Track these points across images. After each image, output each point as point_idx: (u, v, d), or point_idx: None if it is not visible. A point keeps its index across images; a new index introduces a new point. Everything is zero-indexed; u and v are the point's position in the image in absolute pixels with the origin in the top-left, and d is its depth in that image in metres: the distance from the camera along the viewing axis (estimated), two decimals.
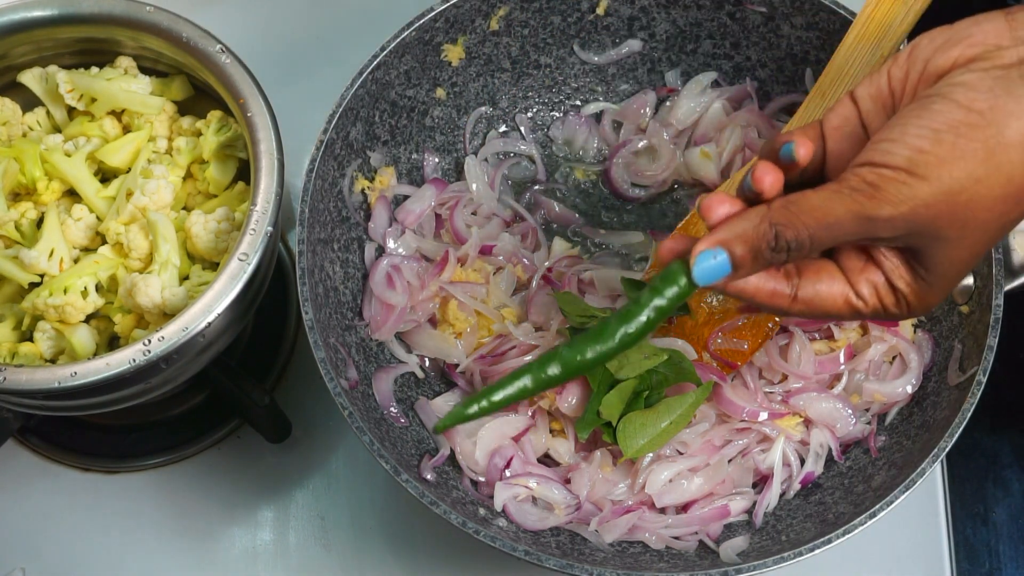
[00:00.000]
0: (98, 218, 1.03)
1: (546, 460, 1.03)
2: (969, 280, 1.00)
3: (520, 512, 0.98)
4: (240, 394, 1.05)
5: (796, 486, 1.01)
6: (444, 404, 1.05)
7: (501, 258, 1.09)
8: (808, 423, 1.02)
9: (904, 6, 0.93)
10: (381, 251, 1.09)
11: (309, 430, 1.14)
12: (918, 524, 1.10)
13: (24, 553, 1.10)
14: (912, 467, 0.92)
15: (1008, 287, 0.97)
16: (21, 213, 1.03)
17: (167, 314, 0.97)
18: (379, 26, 1.08)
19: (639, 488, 0.99)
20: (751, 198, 0.72)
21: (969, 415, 0.92)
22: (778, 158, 0.72)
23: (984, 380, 0.93)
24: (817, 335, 1.06)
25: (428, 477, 0.98)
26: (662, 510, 1.00)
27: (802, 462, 1.02)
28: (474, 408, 0.76)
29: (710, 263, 0.70)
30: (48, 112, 1.08)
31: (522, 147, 1.17)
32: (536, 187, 1.16)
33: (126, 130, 1.08)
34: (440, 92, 1.12)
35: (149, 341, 0.90)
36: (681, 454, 1.01)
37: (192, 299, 0.94)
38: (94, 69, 1.07)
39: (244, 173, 1.06)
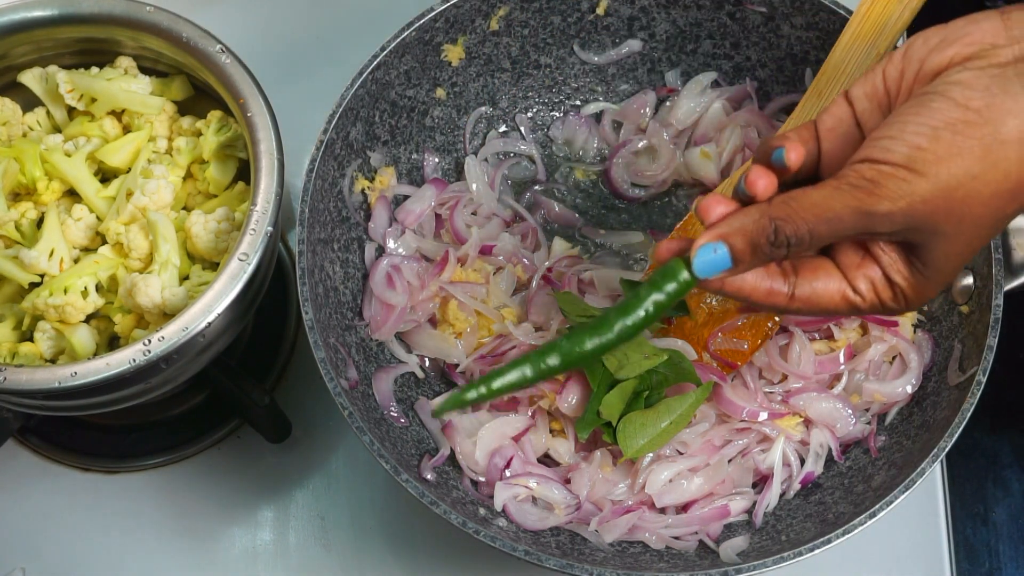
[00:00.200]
0: (98, 218, 1.03)
1: (546, 460, 1.03)
2: (969, 280, 1.00)
3: (520, 512, 0.98)
4: (240, 394, 1.05)
5: (796, 486, 1.01)
6: None
7: (501, 258, 1.09)
8: (808, 423, 1.02)
9: (900, 4, 0.93)
10: (381, 251, 1.09)
11: (309, 430, 1.14)
12: (918, 524, 1.10)
13: (24, 553, 1.10)
14: (912, 467, 0.92)
15: (1008, 287, 0.98)
16: (21, 213, 1.03)
17: (167, 314, 0.97)
18: (379, 26, 1.08)
19: (639, 488, 0.99)
20: (746, 201, 0.73)
21: (969, 415, 0.92)
22: (771, 163, 0.73)
23: (984, 380, 0.93)
24: (817, 335, 1.06)
25: (428, 477, 0.98)
26: (662, 510, 1.00)
27: (802, 462, 1.02)
28: (472, 394, 0.76)
29: (710, 257, 0.71)
30: (48, 112, 1.08)
31: (522, 147, 1.17)
32: (536, 187, 1.16)
33: (126, 130, 1.08)
34: (440, 92, 1.12)
35: (149, 341, 0.90)
36: (681, 454, 1.01)
37: (192, 299, 0.94)
38: (94, 69, 1.07)
39: (244, 173, 1.06)
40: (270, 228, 0.95)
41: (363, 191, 1.08)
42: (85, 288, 0.98)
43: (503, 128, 1.17)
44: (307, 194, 0.99)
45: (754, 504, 1.01)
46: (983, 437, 1.16)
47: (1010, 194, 0.69)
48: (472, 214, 1.12)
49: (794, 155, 0.73)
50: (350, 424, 0.92)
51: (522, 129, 1.17)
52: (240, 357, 1.14)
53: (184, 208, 1.06)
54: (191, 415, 1.14)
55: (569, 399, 1.00)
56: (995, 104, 0.67)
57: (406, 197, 1.11)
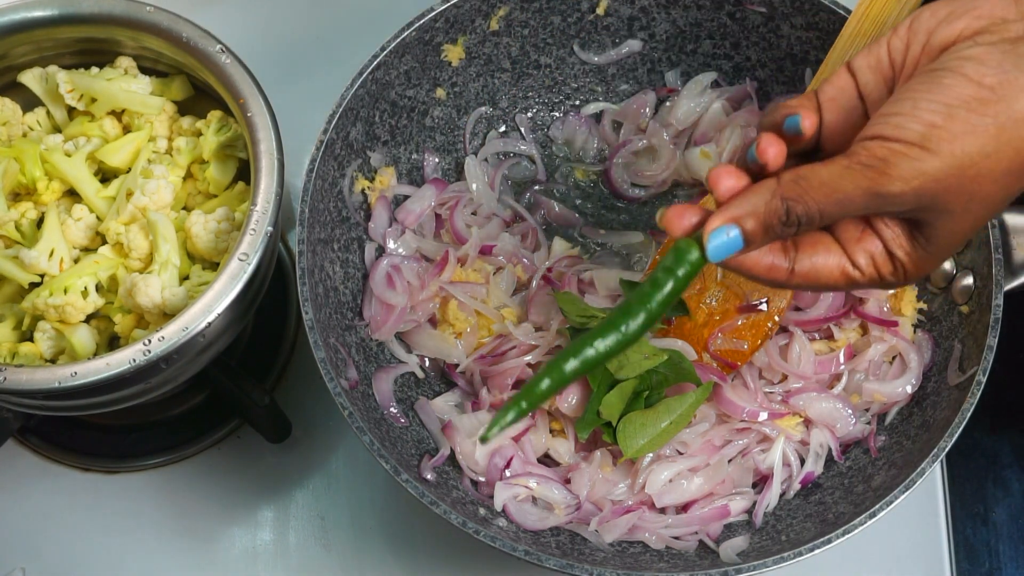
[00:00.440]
0: (98, 218, 1.03)
1: (546, 460, 1.03)
2: (969, 280, 1.00)
3: (520, 512, 0.98)
4: (240, 394, 1.05)
5: (796, 486, 1.01)
6: (444, 404, 1.05)
7: (501, 258, 1.09)
8: (808, 423, 1.02)
9: (898, 4, 0.93)
10: (381, 251, 1.09)
11: (309, 430, 1.14)
12: (918, 524, 1.10)
13: (24, 553, 1.10)
14: (912, 467, 0.92)
15: (1008, 287, 0.97)
16: (21, 213, 1.03)
17: (167, 314, 0.97)
18: (379, 26, 1.08)
19: (639, 488, 0.99)
20: (754, 170, 0.72)
21: (969, 415, 0.92)
22: (781, 130, 0.72)
23: (984, 380, 0.93)
24: (817, 335, 1.06)
25: (428, 477, 0.98)
26: (662, 510, 1.00)
27: (802, 462, 1.02)
28: (520, 407, 0.74)
29: (723, 239, 0.70)
30: (48, 112, 1.08)
31: (522, 147, 1.17)
32: (536, 187, 1.16)
33: (126, 130, 1.08)
34: (440, 92, 1.12)
35: (149, 341, 0.90)
36: (681, 454, 1.01)
37: (192, 299, 0.94)
38: (94, 69, 1.07)
39: (244, 173, 1.06)
40: (270, 228, 0.95)
41: (363, 191, 1.08)
42: (85, 288, 0.98)
43: (503, 128, 1.17)
44: (307, 194, 0.99)
45: (754, 504, 1.01)
46: (983, 437, 1.16)
47: (1021, 171, 0.68)
48: (472, 214, 1.12)
49: (808, 122, 0.72)
50: (350, 424, 0.92)
51: (522, 129, 1.17)
52: (240, 357, 1.14)
53: (184, 208, 1.06)
54: (191, 415, 1.14)
55: (569, 399, 1.00)
56: (1008, 81, 0.66)
57: (406, 197, 1.11)
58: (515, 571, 1.09)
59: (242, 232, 0.94)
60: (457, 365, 1.06)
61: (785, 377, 1.03)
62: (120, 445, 1.13)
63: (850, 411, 1.02)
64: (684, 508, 1.00)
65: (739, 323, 1.03)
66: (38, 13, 1.02)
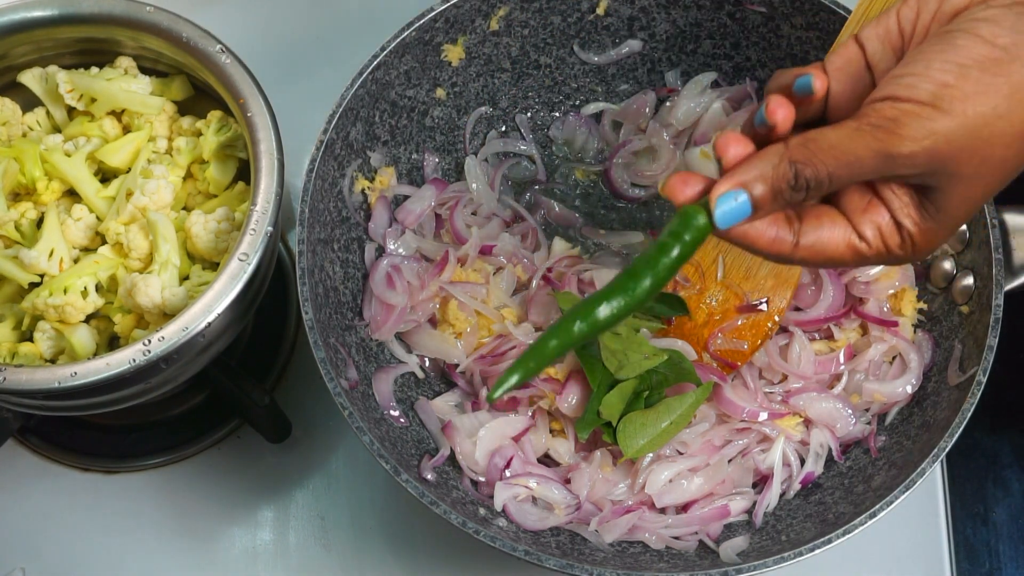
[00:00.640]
0: (98, 218, 1.03)
1: (546, 460, 1.03)
2: (969, 280, 1.00)
3: (520, 512, 0.98)
4: (240, 394, 1.05)
5: (796, 486, 1.01)
6: (444, 404, 1.05)
7: (501, 258, 1.09)
8: (808, 423, 1.02)
9: (897, 2, 0.93)
10: (381, 251, 1.09)
11: (309, 430, 1.14)
12: (918, 524, 1.10)
13: (24, 553, 1.10)
14: (912, 467, 0.92)
15: (1008, 287, 0.97)
16: (21, 213, 1.03)
17: (167, 314, 0.97)
18: (379, 26, 1.08)
19: (639, 488, 0.99)
20: (762, 134, 0.70)
21: (969, 415, 0.92)
22: (790, 93, 0.71)
23: (984, 380, 0.93)
24: (817, 335, 1.06)
25: (428, 477, 0.98)
26: (662, 510, 1.00)
27: (802, 462, 1.02)
28: (521, 371, 0.72)
29: (731, 205, 0.68)
30: (48, 112, 1.08)
31: (522, 147, 1.17)
32: (536, 187, 1.16)
33: (126, 130, 1.08)
34: (440, 92, 1.12)
35: (149, 341, 0.90)
36: (681, 454, 1.01)
37: (192, 299, 0.94)
38: (94, 69, 1.07)
39: (244, 173, 1.06)
40: (270, 228, 0.95)
41: (363, 191, 1.08)
42: (85, 288, 0.98)
43: (503, 128, 1.17)
44: (307, 194, 0.99)
45: (754, 504, 1.01)
46: (983, 437, 1.16)
47: None
48: (472, 214, 1.12)
49: (819, 83, 0.70)
50: (350, 424, 0.92)
51: (522, 129, 1.17)
52: (240, 357, 1.14)
53: (184, 208, 1.06)
54: (191, 415, 1.14)
55: (569, 399, 1.00)
56: (1022, 42, 0.65)
57: (406, 197, 1.11)
58: (515, 571, 1.09)
59: (242, 232, 0.94)
60: (457, 365, 1.06)
61: (785, 377, 1.04)
62: (120, 445, 1.13)
63: (850, 411, 1.02)
64: (684, 508, 1.00)
65: (739, 323, 1.03)
66: (38, 13, 1.02)
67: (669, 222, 0.71)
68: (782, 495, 1.02)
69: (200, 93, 1.09)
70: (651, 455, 1.00)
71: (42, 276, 1.00)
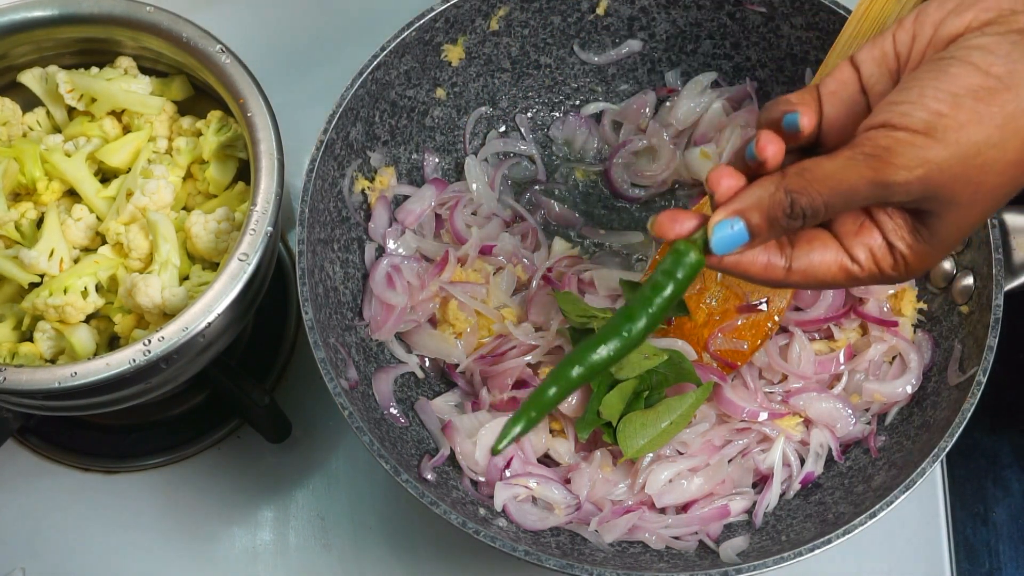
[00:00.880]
0: (98, 218, 1.03)
1: (546, 460, 1.03)
2: (969, 280, 1.00)
3: (520, 512, 0.98)
4: (240, 394, 1.05)
5: (796, 486, 1.01)
6: (444, 404, 1.05)
7: (501, 258, 1.09)
8: (808, 423, 1.02)
9: (898, 4, 0.93)
10: (381, 251, 1.09)
11: (309, 430, 1.14)
12: (918, 524, 1.10)
13: (24, 553, 1.10)
14: (912, 467, 0.92)
15: (1008, 287, 0.97)
16: (21, 213, 1.03)
17: (167, 314, 0.97)
18: (379, 26, 1.08)
19: (639, 488, 0.99)
20: (753, 168, 0.71)
21: (969, 415, 0.92)
22: (780, 128, 0.72)
23: (984, 380, 0.93)
24: (817, 335, 1.06)
25: (428, 477, 0.98)
26: (662, 510, 1.00)
27: (802, 462, 1.02)
28: (524, 422, 0.75)
29: (727, 233, 0.70)
30: (48, 112, 1.08)
31: (522, 147, 1.17)
32: (536, 187, 1.16)
33: (126, 130, 1.08)
34: (440, 92, 1.12)
35: (149, 341, 0.90)
36: (681, 454, 1.01)
37: (192, 299, 0.94)
38: (94, 69, 1.07)
39: (244, 173, 1.06)
40: (270, 228, 0.95)
41: (363, 191, 1.08)
42: (85, 288, 0.98)
43: (503, 128, 1.17)
44: (307, 194, 0.99)
45: (754, 504, 1.01)
46: (983, 437, 1.16)
47: None
48: (472, 214, 1.12)
49: (807, 120, 0.71)
50: (350, 424, 0.92)
51: (522, 129, 1.17)
52: (240, 357, 1.14)
53: (184, 208, 1.06)
54: (191, 415, 1.14)
55: (569, 399, 1.00)
56: (1017, 71, 0.66)
57: (406, 197, 1.11)
58: (515, 571, 1.09)
59: (242, 232, 0.94)
60: (457, 365, 1.06)
61: (785, 377, 1.03)
62: (120, 445, 1.13)
63: (850, 411, 1.02)
64: (684, 508, 1.00)
65: (739, 323, 1.03)
66: (38, 13, 1.02)
67: (661, 260, 0.73)
68: (782, 495, 1.02)
69: (200, 93, 1.09)
70: (651, 455, 1.00)
71: (42, 276, 1.00)
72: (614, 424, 0.98)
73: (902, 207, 0.71)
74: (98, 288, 1.00)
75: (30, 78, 1.07)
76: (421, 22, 1.05)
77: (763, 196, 0.69)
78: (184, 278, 1.00)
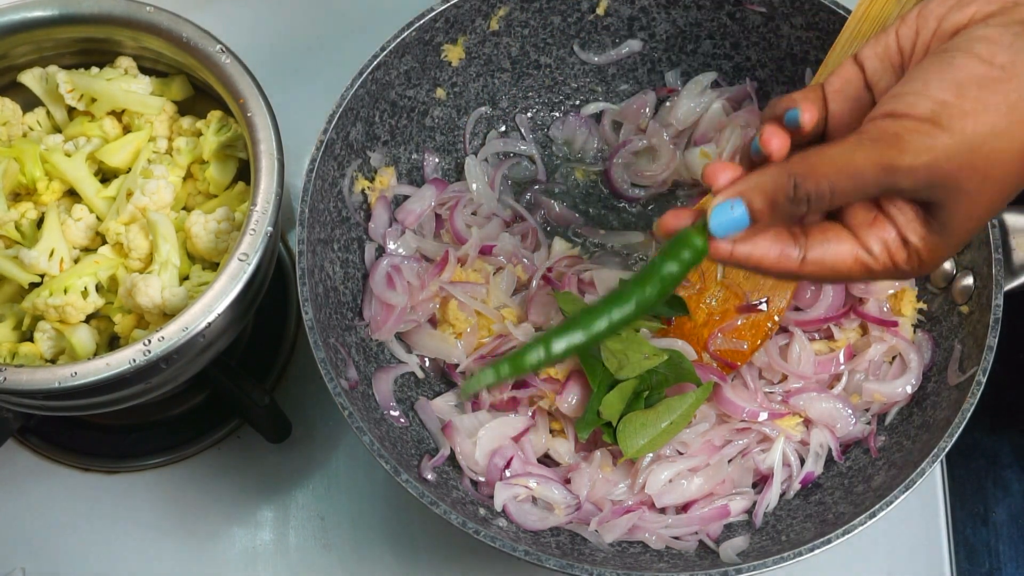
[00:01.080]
0: (98, 218, 1.03)
1: (546, 460, 1.03)
2: (969, 280, 1.00)
3: (520, 512, 0.98)
4: (240, 394, 1.05)
5: (796, 486, 1.01)
6: (444, 404, 1.05)
7: (501, 258, 1.09)
8: (808, 423, 1.02)
9: (897, 4, 0.93)
10: (381, 251, 1.09)
11: (309, 430, 1.14)
12: (918, 524, 1.10)
13: (24, 553, 1.10)
14: (912, 467, 0.92)
15: (1008, 287, 0.97)
16: (21, 213, 1.03)
17: (167, 314, 0.97)
18: (379, 26, 1.08)
19: (639, 488, 0.99)
20: (758, 163, 0.71)
21: (969, 415, 0.92)
22: (782, 124, 0.71)
23: (984, 380, 0.93)
24: (817, 335, 1.06)
25: (428, 477, 0.98)
26: (662, 510, 1.00)
27: (802, 462, 1.02)
28: (491, 375, 0.73)
29: (728, 215, 0.68)
30: (48, 112, 1.08)
31: (522, 147, 1.17)
32: (536, 187, 1.16)
33: (126, 130, 1.08)
34: (440, 92, 1.12)
35: (149, 341, 0.90)
36: (681, 454, 1.01)
37: (192, 299, 0.94)
38: (94, 69, 1.07)
39: (244, 173, 1.06)
40: (270, 228, 0.95)
41: (363, 191, 1.08)
42: (85, 288, 0.98)
43: (503, 128, 1.17)
44: (307, 194, 0.99)
45: (754, 504, 1.01)
46: (983, 437, 1.16)
47: None
48: (472, 214, 1.12)
49: (808, 115, 0.71)
50: (350, 424, 0.92)
51: (522, 129, 1.17)
52: (240, 357, 1.14)
53: (184, 208, 1.06)
54: (191, 415, 1.14)
55: (569, 399, 1.00)
56: (1020, 60, 0.66)
57: (406, 197, 1.11)
58: (515, 571, 1.09)
59: (242, 232, 0.94)
60: (457, 365, 1.06)
61: (785, 377, 1.04)
62: (120, 445, 1.13)
63: (850, 411, 1.02)
64: (684, 508, 1.00)
65: (739, 323, 1.03)
66: (38, 13, 1.02)
67: (662, 244, 0.72)
68: (782, 495, 1.02)
69: (200, 93, 1.09)
70: (651, 455, 1.00)
71: (42, 276, 1.00)
72: (614, 424, 0.99)
73: (911, 199, 0.70)
74: (98, 288, 1.00)
75: (30, 78, 1.07)
76: (421, 22, 1.05)
77: (766, 179, 0.68)
78: (184, 278, 1.00)
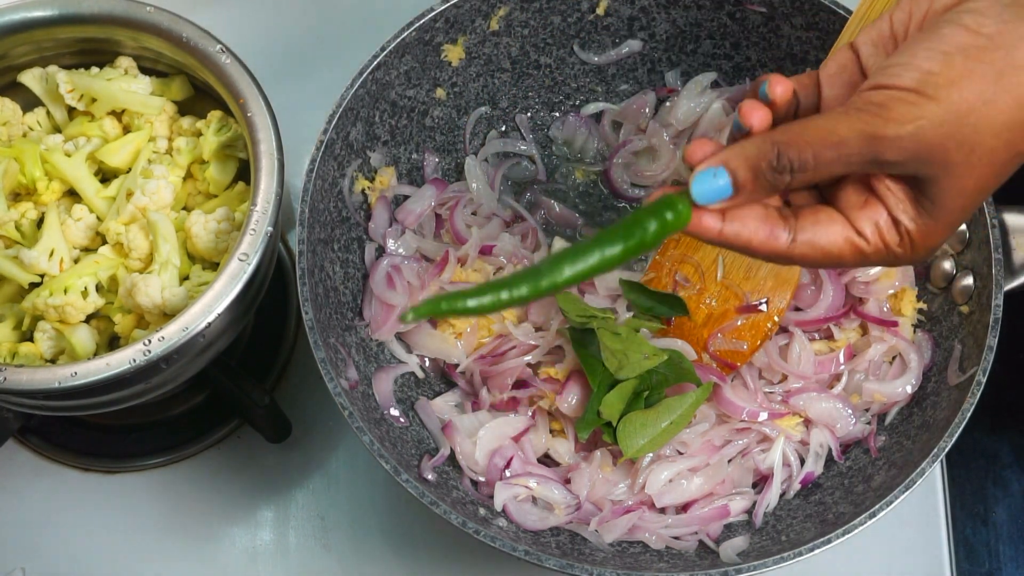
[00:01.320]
0: (98, 218, 1.03)
1: (546, 460, 1.03)
2: (969, 280, 1.00)
3: (520, 512, 0.98)
4: (240, 394, 1.05)
5: (796, 486, 1.01)
6: (444, 404, 1.05)
7: (501, 258, 1.09)
8: (808, 423, 1.02)
9: (897, 3, 0.93)
10: (381, 251, 1.09)
11: (309, 430, 1.14)
12: (918, 524, 1.10)
13: (24, 553, 1.10)
14: (912, 467, 0.92)
15: (1008, 287, 0.97)
16: (21, 213, 1.03)
17: (167, 314, 0.97)
18: (379, 26, 1.08)
19: (639, 488, 0.99)
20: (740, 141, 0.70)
21: (969, 415, 0.92)
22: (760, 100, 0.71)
23: (984, 380, 0.93)
24: (817, 335, 1.06)
25: (428, 477, 0.98)
26: (662, 510, 1.00)
27: (802, 462, 1.02)
28: (444, 305, 0.67)
29: (711, 183, 0.67)
30: (48, 112, 1.08)
31: (522, 147, 1.17)
32: (536, 187, 1.16)
33: (126, 130, 1.08)
34: (440, 92, 1.12)
35: (149, 341, 0.90)
36: (681, 454, 1.01)
37: (192, 299, 0.94)
38: (94, 69, 1.07)
39: (244, 173, 1.06)
40: (270, 228, 0.95)
41: (363, 191, 1.08)
42: (85, 288, 0.98)
43: (503, 128, 1.17)
44: (307, 194, 0.99)
45: (754, 504, 1.01)
46: (983, 437, 1.16)
47: (1023, 125, 0.66)
48: (472, 214, 1.12)
49: (780, 88, 0.70)
50: (350, 424, 0.92)
51: (522, 129, 1.17)
52: (240, 357, 1.14)
53: (184, 208, 1.06)
54: (191, 415, 1.14)
55: (569, 399, 1.00)
56: (1007, 30, 0.65)
57: (406, 197, 1.11)
58: (515, 571, 1.09)
59: (242, 232, 0.94)
60: (457, 365, 1.06)
61: (785, 377, 1.03)
62: (120, 445, 1.13)
63: (850, 411, 1.02)
64: (684, 508, 1.00)
65: (739, 323, 1.03)
66: (38, 13, 1.02)
67: (645, 204, 0.69)
68: (782, 495, 1.02)
69: (200, 93, 1.09)
70: (651, 455, 1.00)
71: (42, 276, 1.00)
72: (614, 424, 0.98)
73: (899, 176, 0.69)
74: (98, 288, 1.00)
75: (30, 78, 1.07)
76: (421, 22, 1.05)
77: (748, 147, 0.68)
78: (184, 278, 1.00)
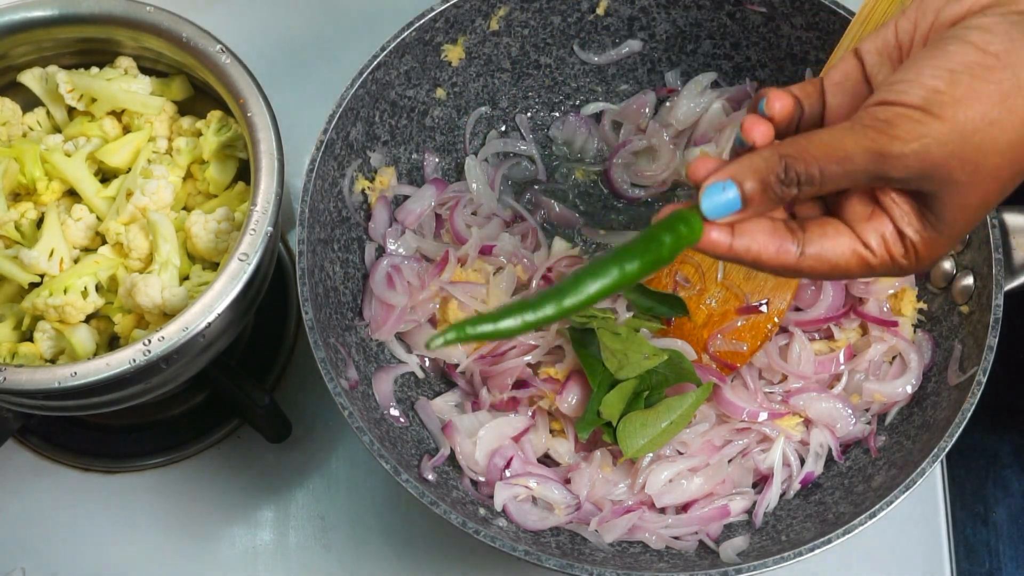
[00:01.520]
0: (98, 218, 1.03)
1: (546, 460, 1.03)
2: (969, 280, 1.00)
3: (520, 512, 0.98)
4: (240, 394, 1.05)
5: (796, 486, 1.01)
6: (444, 404, 1.05)
7: (501, 258, 1.09)
8: (808, 423, 1.02)
9: (899, 6, 0.93)
10: (381, 251, 1.09)
11: (309, 430, 1.14)
12: (918, 524, 1.10)
13: (24, 553, 1.10)
14: (912, 467, 0.92)
15: (1008, 287, 0.97)
16: (21, 213, 1.03)
17: (167, 314, 0.97)
18: (379, 26, 1.08)
19: (639, 488, 0.99)
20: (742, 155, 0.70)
21: (969, 415, 0.92)
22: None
23: (984, 380, 0.93)
24: (817, 335, 1.06)
25: (428, 477, 0.98)
26: (662, 510, 1.00)
27: (802, 462, 1.02)
28: (470, 330, 0.67)
29: (720, 196, 0.68)
30: (48, 112, 1.08)
31: (522, 147, 1.17)
32: (536, 187, 1.16)
33: (126, 130, 1.08)
34: (440, 92, 1.12)
35: (149, 341, 0.90)
36: (681, 454, 1.01)
37: (192, 299, 0.94)
38: (94, 69, 1.07)
39: (244, 173, 1.06)
40: (270, 228, 0.95)
41: (363, 191, 1.08)
42: (85, 288, 0.98)
43: (503, 128, 1.17)
44: (307, 194, 0.99)
45: (754, 504, 1.01)
46: (983, 437, 1.16)
47: None
48: (472, 214, 1.12)
49: (778, 104, 0.70)
50: (350, 424, 0.92)
51: (522, 129, 1.17)
52: (240, 357, 1.14)
53: (184, 208, 1.06)
54: (191, 415, 1.14)
55: (569, 399, 1.00)
56: (1015, 49, 0.65)
57: (406, 197, 1.11)
58: (515, 571, 1.09)
59: (242, 232, 0.94)
60: (457, 365, 1.06)
61: (785, 377, 1.03)
62: (120, 445, 1.13)
63: (850, 411, 1.02)
64: (684, 508, 1.00)
65: (739, 324, 1.03)
66: (38, 13, 1.02)
67: (655, 223, 0.70)
68: (782, 495, 1.02)
69: (200, 93, 1.09)
70: (651, 455, 1.00)
71: (42, 276, 1.00)
72: (614, 424, 0.98)
73: (904, 190, 0.70)
74: (98, 288, 1.00)
75: (30, 78, 1.07)
76: (421, 22, 1.05)
77: (756, 160, 0.68)
78: (184, 278, 1.00)
